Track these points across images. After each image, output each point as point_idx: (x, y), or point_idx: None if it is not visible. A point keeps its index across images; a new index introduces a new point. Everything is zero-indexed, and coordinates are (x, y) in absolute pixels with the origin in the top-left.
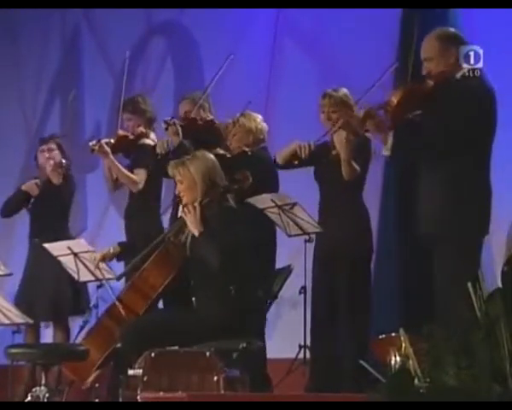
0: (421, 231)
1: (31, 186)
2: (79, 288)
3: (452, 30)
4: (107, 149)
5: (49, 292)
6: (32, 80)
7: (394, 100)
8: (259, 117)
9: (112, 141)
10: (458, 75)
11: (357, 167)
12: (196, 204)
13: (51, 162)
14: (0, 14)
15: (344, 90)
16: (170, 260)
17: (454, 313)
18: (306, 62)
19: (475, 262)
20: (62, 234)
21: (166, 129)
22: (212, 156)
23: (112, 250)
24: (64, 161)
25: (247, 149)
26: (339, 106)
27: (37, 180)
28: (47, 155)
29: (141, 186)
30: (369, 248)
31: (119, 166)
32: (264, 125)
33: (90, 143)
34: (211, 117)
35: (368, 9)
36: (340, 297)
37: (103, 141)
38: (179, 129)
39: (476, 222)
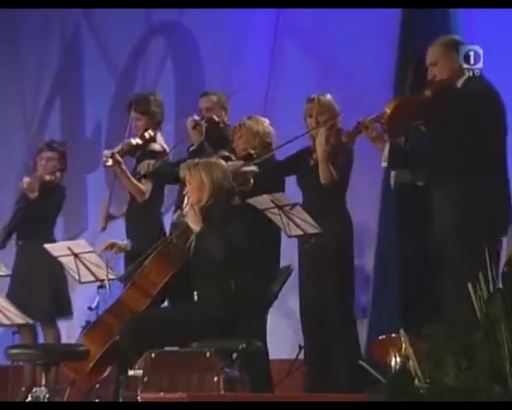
0: (432, 236)
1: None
2: (61, 291)
3: (456, 37)
4: (120, 159)
5: (35, 293)
6: (33, 80)
7: (388, 111)
8: (267, 121)
9: (124, 148)
10: (462, 81)
11: (333, 172)
12: (196, 206)
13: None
14: (0, 14)
15: (329, 96)
16: (170, 258)
17: (455, 313)
18: (306, 62)
19: (481, 264)
20: (46, 237)
21: (194, 127)
22: (224, 164)
23: (123, 246)
24: (48, 177)
25: (252, 152)
26: (326, 110)
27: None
28: (42, 162)
29: (147, 196)
30: (350, 250)
31: (130, 175)
32: (272, 130)
33: (104, 154)
34: (228, 122)
35: (368, 9)
36: (327, 297)
37: (115, 151)
38: (203, 130)
39: (484, 223)
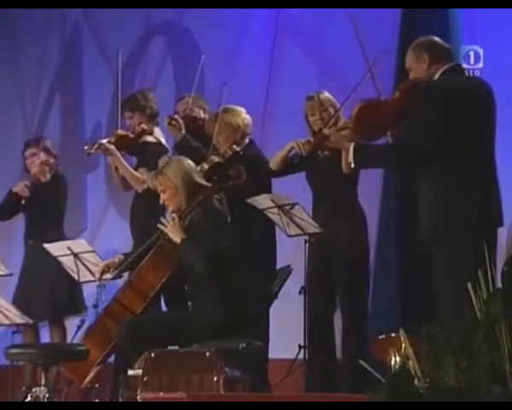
0: (421, 232)
1: (21, 187)
2: (75, 288)
3: (426, 37)
4: (111, 146)
5: (46, 292)
6: (32, 80)
7: (353, 114)
8: (243, 110)
9: (112, 140)
10: (437, 75)
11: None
12: (175, 215)
13: (37, 161)
14: (0, 14)
15: (326, 93)
16: (167, 258)
17: (454, 313)
18: (306, 62)
19: (477, 262)
20: (57, 235)
21: (169, 123)
22: (187, 159)
23: (117, 260)
24: (52, 160)
25: (237, 149)
26: (327, 105)
27: (26, 182)
28: (30, 159)
29: (146, 186)
30: (366, 247)
31: (126, 164)
32: (249, 118)
33: (86, 147)
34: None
35: (368, 9)
36: (337, 297)
37: (104, 141)
38: (182, 124)
39: (477, 221)
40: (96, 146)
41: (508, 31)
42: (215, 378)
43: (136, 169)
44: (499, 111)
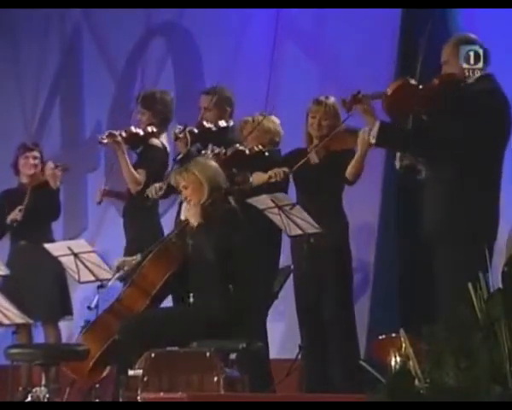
0: (424, 232)
1: (15, 214)
2: (62, 291)
3: (464, 35)
4: (120, 139)
5: (37, 293)
6: (32, 80)
7: (389, 91)
8: (278, 121)
9: (123, 134)
10: (473, 78)
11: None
12: (196, 202)
13: (51, 165)
14: (0, 14)
15: (333, 99)
16: (169, 257)
17: (454, 313)
18: (306, 62)
19: (476, 265)
20: (47, 236)
21: (176, 140)
22: (213, 162)
23: (133, 262)
24: (59, 165)
25: (263, 149)
26: (330, 115)
27: (20, 207)
28: (32, 161)
29: (140, 188)
30: (349, 252)
31: (128, 161)
32: (281, 130)
33: (99, 136)
34: (227, 124)
35: (368, 9)
36: (326, 298)
37: (116, 132)
38: (188, 139)
39: (479, 225)
40: (106, 134)
41: (508, 31)
42: (215, 378)
43: (134, 167)
44: None
